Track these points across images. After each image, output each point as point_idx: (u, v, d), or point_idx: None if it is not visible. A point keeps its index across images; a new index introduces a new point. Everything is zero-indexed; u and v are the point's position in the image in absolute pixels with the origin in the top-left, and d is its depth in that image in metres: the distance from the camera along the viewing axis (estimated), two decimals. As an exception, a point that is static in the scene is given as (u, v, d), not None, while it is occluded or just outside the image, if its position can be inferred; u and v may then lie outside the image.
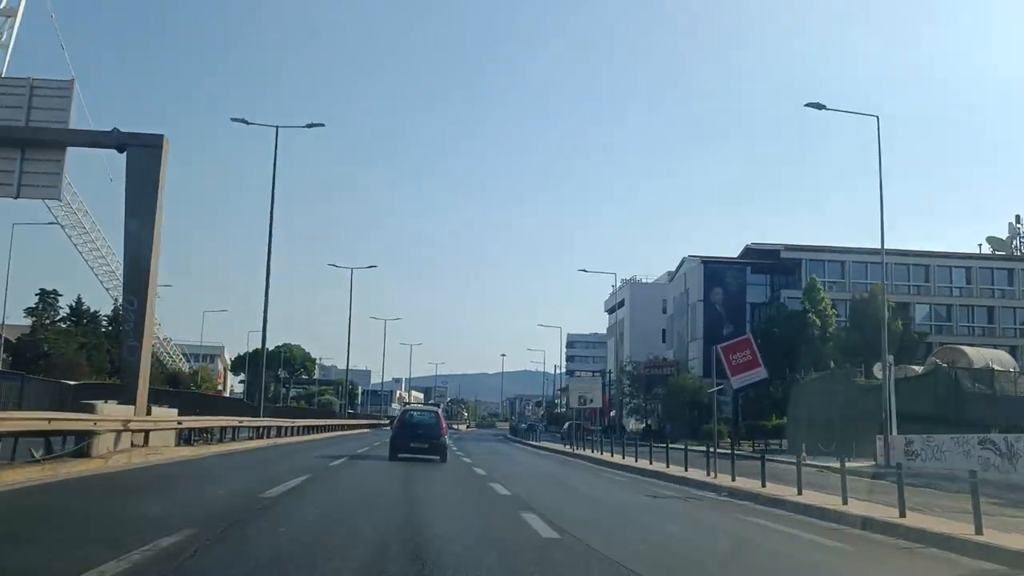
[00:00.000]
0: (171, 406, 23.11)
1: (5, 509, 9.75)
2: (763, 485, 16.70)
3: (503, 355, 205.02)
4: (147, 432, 19.00)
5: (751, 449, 39.21)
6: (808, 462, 19.94)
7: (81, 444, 15.75)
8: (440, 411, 29.71)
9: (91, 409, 16.33)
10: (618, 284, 76.45)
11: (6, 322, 50.24)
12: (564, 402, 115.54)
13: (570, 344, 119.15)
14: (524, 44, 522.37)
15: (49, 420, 14.23)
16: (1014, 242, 71.47)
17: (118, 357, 26.48)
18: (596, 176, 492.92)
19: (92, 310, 66.38)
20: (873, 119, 29.25)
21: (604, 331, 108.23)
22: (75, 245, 53.35)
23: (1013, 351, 51.98)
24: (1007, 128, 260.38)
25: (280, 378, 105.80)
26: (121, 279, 27.10)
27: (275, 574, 6.48)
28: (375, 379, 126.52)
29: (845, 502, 13.48)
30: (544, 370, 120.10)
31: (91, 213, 53.41)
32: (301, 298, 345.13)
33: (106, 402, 17.65)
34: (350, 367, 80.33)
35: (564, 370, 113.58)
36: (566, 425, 71.04)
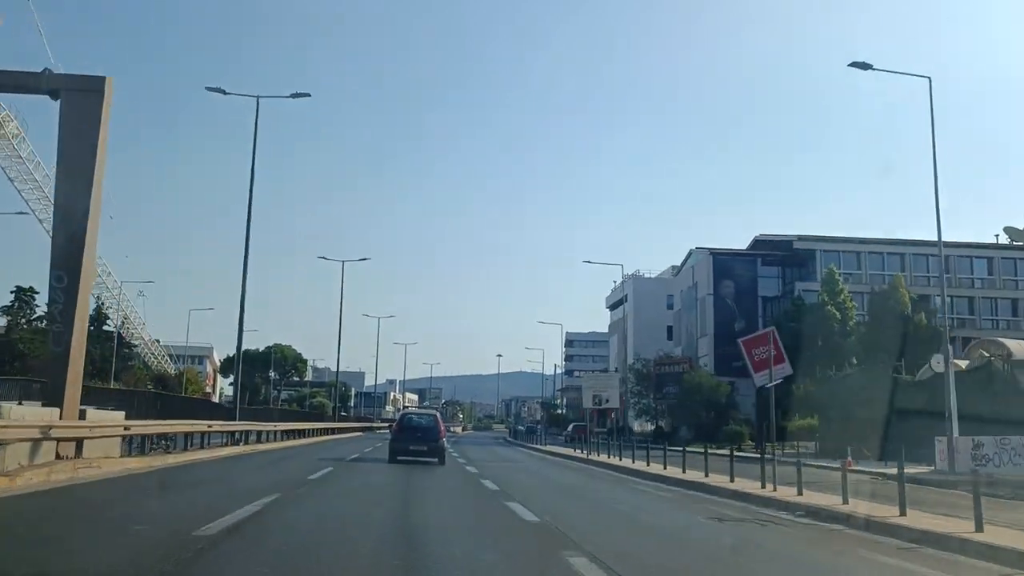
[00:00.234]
0: (119, 408, 18.94)
1: None
2: (844, 502, 13.46)
3: (499, 356, 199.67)
4: (79, 440, 15.23)
5: (780, 453, 35.90)
6: (852, 468, 17.25)
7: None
8: (438, 414, 29.32)
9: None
10: (622, 278, 72.97)
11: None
12: (563, 403, 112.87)
13: (569, 343, 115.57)
14: (524, 44, 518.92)
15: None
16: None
17: (45, 348, 21.46)
18: (596, 175, 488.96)
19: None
20: (925, 80, 26.02)
21: (604, 329, 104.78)
22: (30, 207, 47.57)
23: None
24: (1008, 126, 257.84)
25: (270, 379, 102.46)
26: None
27: None
28: (369, 381, 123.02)
29: (980, 528, 10.27)
30: (543, 371, 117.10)
31: (43, 165, 46.91)
32: (301, 298, 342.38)
33: (20, 403, 14.02)
34: (344, 369, 76.45)
35: (563, 370, 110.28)
36: (570, 427, 67.67)
